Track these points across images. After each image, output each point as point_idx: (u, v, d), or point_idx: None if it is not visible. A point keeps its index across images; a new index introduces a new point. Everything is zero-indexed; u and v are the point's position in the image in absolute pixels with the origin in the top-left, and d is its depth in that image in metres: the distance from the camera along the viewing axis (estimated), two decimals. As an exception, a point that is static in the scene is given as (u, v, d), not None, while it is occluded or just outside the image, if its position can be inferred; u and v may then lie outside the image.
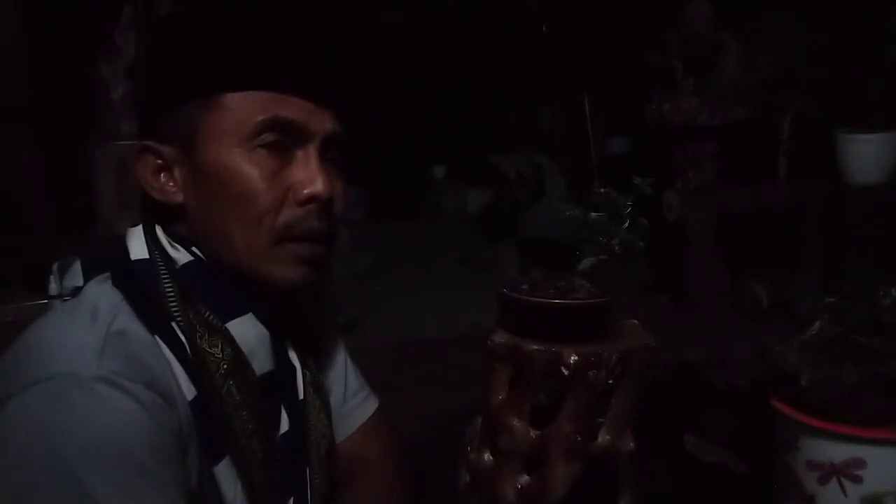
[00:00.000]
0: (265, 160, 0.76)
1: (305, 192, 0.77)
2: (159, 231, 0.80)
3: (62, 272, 0.81)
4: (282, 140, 0.77)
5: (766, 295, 2.34)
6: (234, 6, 0.82)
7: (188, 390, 0.74)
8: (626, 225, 0.74)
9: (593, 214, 0.75)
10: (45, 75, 2.29)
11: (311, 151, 0.79)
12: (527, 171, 3.14)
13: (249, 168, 0.76)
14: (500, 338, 0.73)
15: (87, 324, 0.72)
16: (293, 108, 0.77)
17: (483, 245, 3.17)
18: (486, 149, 3.37)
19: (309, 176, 0.78)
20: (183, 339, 0.75)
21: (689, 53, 2.47)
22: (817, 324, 0.85)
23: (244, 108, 0.76)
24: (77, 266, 0.80)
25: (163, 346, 0.74)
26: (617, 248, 0.74)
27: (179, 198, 0.79)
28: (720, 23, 2.54)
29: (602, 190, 0.74)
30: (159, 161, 0.79)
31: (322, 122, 0.79)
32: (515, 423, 0.72)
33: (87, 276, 0.78)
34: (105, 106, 2.16)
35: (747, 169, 2.54)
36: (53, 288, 0.82)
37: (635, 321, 0.78)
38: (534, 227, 2.98)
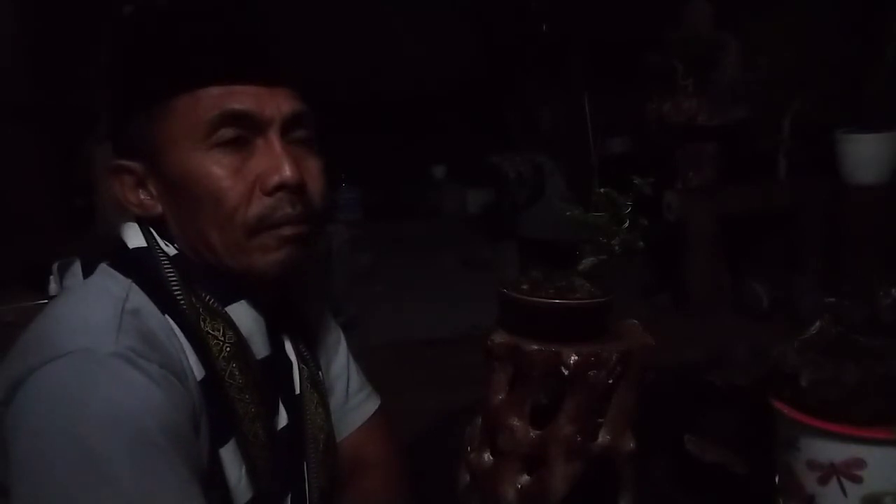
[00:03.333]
0: (226, 157, 0.75)
1: (271, 180, 0.75)
2: (152, 230, 0.80)
3: (62, 272, 0.81)
4: (239, 133, 0.75)
5: (766, 295, 2.34)
6: (164, 9, 0.80)
7: (198, 370, 0.75)
8: (626, 225, 0.74)
9: (593, 214, 0.75)
10: (45, 75, 2.29)
11: (272, 137, 0.76)
12: (527, 171, 3.13)
13: (211, 168, 0.75)
14: (500, 338, 0.73)
15: (103, 302, 0.72)
16: (244, 98, 0.75)
17: (483, 245, 3.17)
18: (486, 149, 3.36)
19: (273, 164, 0.76)
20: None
21: (689, 53, 2.47)
22: (817, 324, 0.84)
23: (195, 108, 0.75)
24: (77, 266, 0.80)
25: (174, 325, 0.75)
26: (617, 248, 0.74)
27: (159, 209, 0.79)
28: (720, 23, 2.54)
29: (602, 190, 0.74)
30: (133, 177, 0.79)
31: (277, 105, 0.77)
32: (515, 423, 0.72)
33: (87, 274, 0.78)
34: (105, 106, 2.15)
35: (747, 169, 2.54)
36: (53, 288, 0.82)
37: (635, 321, 0.78)
38: (534, 227, 2.98)
